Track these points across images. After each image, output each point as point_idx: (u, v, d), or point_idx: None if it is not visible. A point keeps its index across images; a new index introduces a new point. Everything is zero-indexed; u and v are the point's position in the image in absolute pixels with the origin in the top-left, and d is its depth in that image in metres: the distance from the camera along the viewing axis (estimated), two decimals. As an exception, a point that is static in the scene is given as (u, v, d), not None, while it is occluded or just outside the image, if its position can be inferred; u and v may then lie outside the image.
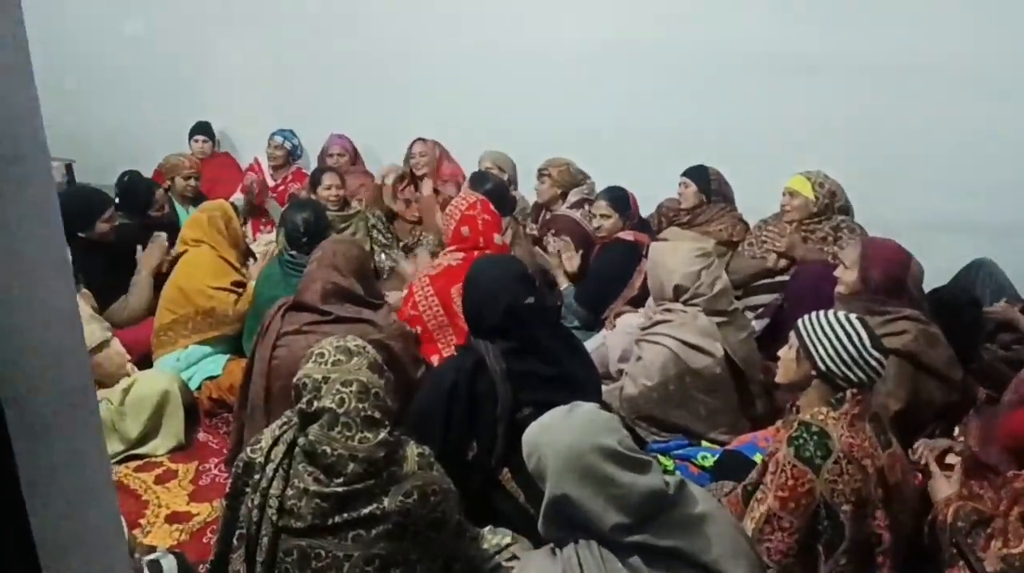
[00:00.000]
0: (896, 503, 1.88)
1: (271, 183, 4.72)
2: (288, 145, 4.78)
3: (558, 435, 1.51)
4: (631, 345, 2.87)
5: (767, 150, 3.88)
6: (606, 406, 2.36)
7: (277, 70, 5.20)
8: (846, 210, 3.44)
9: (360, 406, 1.74)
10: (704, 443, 2.61)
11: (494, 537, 2.02)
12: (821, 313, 1.93)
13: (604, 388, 2.78)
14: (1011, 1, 3.41)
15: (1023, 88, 3.40)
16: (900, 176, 3.67)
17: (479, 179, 3.59)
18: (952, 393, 2.43)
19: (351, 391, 1.75)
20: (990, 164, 3.53)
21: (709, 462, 2.49)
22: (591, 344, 3.12)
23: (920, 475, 2.21)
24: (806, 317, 1.95)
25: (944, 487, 2.01)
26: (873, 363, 1.85)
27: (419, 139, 4.51)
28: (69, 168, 5.51)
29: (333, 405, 1.73)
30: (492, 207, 3.17)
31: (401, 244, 4.23)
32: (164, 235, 3.55)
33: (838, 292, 2.58)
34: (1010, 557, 1.73)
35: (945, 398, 2.42)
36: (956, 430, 2.38)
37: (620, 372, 2.91)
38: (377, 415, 1.75)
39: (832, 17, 3.72)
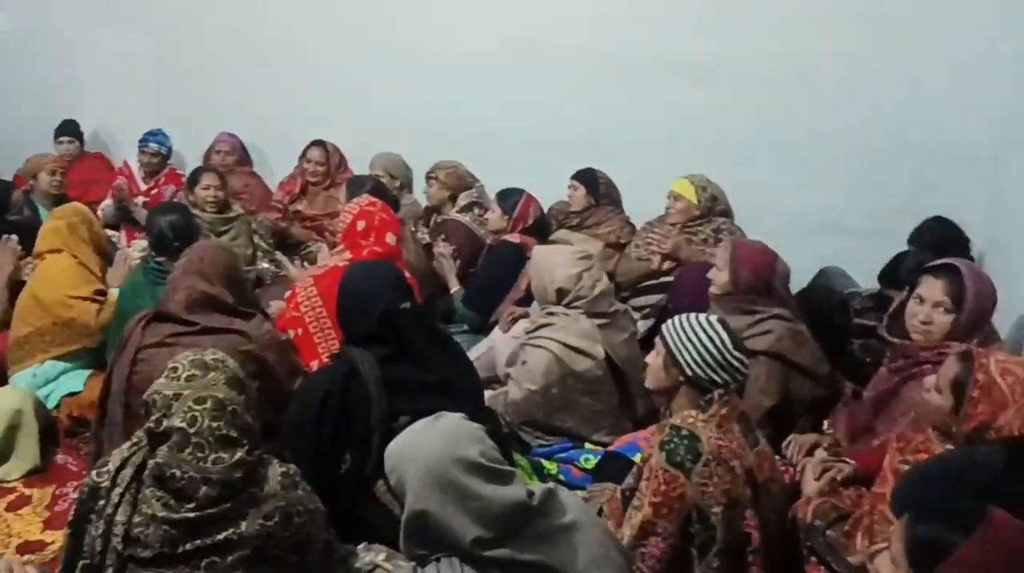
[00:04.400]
0: (765, 502, 1.91)
1: (143, 187, 4.46)
2: (164, 150, 4.51)
3: (419, 448, 1.46)
4: (518, 350, 2.85)
5: (653, 153, 3.94)
6: (486, 412, 2.33)
7: (155, 67, 4.93)
8: (727, 213, 3.53)
9: (214, 425, 1.63)
10: (587, 445, 2.61)
11: (367, 555, 1.93)
12: (683, 318, 1.95)
13: (490, 393, 2.75)
14: (882, 7, 3.58)
15: (894, 93, 3.57)
16: (779, 180, 3.78)
17: (358, 183, 3.50)
18: (819, 388, 2.52)
19: (205, 409, 1.64)
20: (861, 167, 3.70)
21: (592, 464, 2.49)
22: (480, 348, 3.10)
23: (792, 470, 2.27)
24: (669, 323, 1.96)
25: (811, 484, 2.06)
26: (736, 364, 1.88)
27: (316, 143, 4.31)
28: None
29: (183, 424, 1.62)
30: (392, 213, 3.11)
31: (305, 250, 4.07)
32: (15, 237, 3.29)
33: (711, 293, 2.65)
34: (876, 553, 1.78)
35: (813, 393, 2.51)
36: (825, 424, 2.47)
37: (508, 376, 2.88)
38: (234, 434, 1.65)
39: (715, 25, 3.81)
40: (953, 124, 3.49)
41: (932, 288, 2.16)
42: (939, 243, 2.96)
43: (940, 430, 1.80)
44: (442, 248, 3.60)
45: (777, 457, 2.20)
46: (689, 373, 1.89)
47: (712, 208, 3.47)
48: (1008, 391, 1.67)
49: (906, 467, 1.79)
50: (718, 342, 1.88)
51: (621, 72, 3.98)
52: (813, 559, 1.88)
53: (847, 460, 2.13)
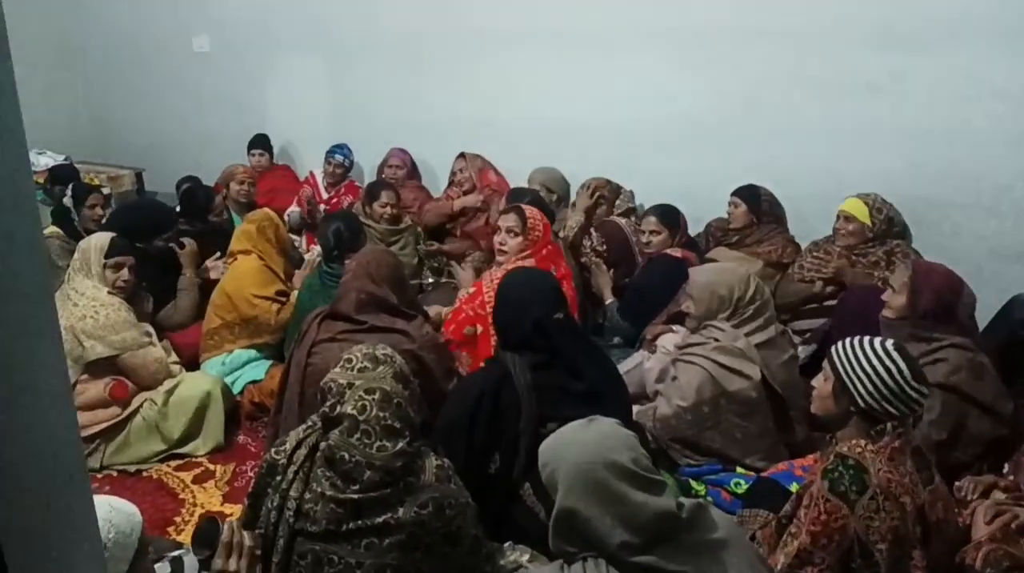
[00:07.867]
0: (936, 543, 1.78)
1: (325, 196, 4.82)
2: (347, 162, 4.87)
3: (573, 448, 1.48)
4: (669, 366, 2.81)
5: (820, 170, 3.76)
6: (634, 426, 2.31)
7: (332, 88, 5.30)
8: (902, 235, 3.31)
9: (381, 414, 1.74)
10: (739, 469, 2.52)
11: (512, 554, 1.99)
12: (856, 343, 1.83)
13: (639, 408, 2.73)
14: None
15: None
16: (962, 202, 3.49)
17: (518, 194, 3.59)
18: (1000, 427, 2.30)
19: (374, 399, 1.75)
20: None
21: (742, 489, 2.40)
22: (629, 363, 3.07)
23: (965, 513, 2.09)
24: (841, 347, 1.85)
25: (982, 528, 1.89)
26: (915, 396, 1.76)
27: (460, 155, 4.51)
28: (139, 177, 5.74)
29: (354, 411, 1.74)
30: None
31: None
32: (192, 242, 3.62)
33: (884, 316, 2.48)
34: None
35: (993, 432, 2.30)
36: (1006, 467, 2.25)
37: (657, 393, 2.85)
38: (397, 425, 1.75)
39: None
40: None
41: None
42: None
43: None
44: (596, 259, 3.62)
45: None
46: (862, 404, 1.78)
47: (887, 230, 3.27)
48: None
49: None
50: (895, 373, 1.76)
51: (785, 87, 3.81)
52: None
53: (1026, 505, 1.95)
